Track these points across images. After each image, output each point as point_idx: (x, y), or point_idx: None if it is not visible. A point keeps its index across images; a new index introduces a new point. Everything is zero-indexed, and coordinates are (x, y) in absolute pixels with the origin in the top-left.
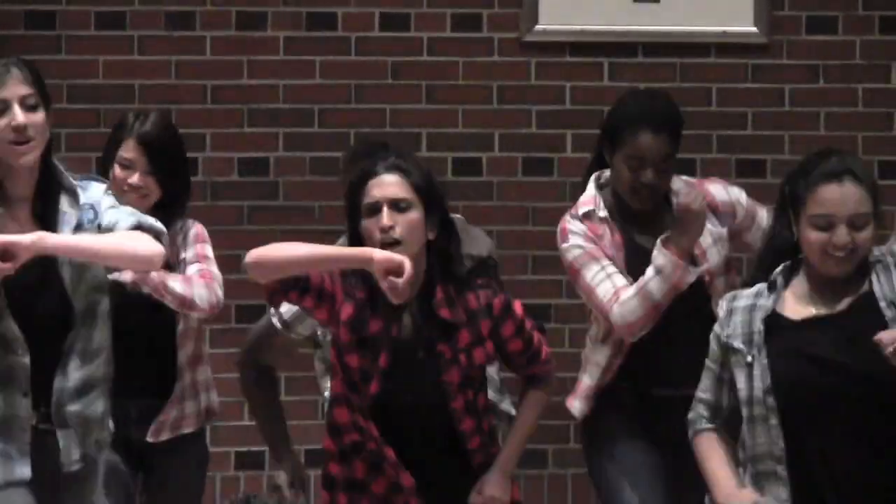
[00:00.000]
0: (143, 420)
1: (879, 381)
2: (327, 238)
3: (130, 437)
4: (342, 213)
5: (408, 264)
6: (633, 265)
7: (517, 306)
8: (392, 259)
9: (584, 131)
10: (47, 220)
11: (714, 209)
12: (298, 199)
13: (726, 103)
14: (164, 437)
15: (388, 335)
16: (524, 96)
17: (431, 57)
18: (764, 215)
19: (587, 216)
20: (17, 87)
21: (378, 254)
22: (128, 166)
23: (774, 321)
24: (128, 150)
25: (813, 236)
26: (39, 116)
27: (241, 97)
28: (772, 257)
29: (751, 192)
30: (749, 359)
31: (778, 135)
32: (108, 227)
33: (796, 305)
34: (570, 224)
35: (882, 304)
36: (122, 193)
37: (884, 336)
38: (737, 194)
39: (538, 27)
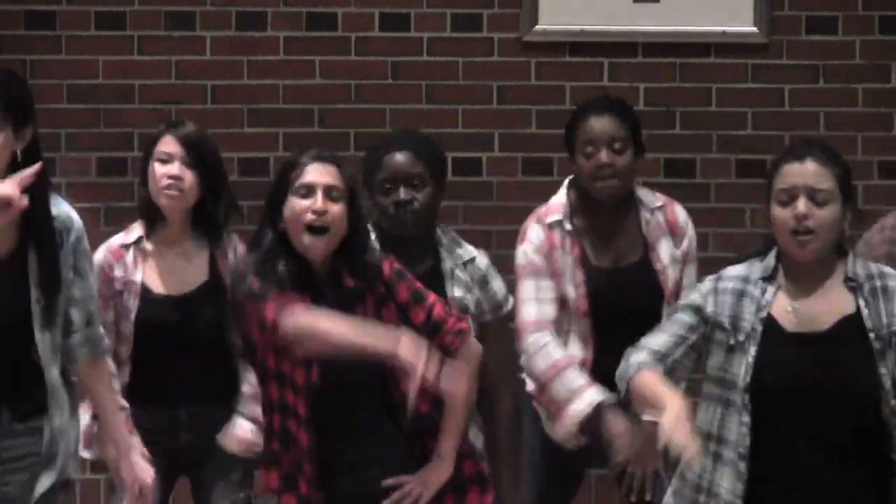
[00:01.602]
0: (194, 426)
1: (857, 406)
2: None
3: (177, 442)
4: None
5: (420, 366)
6: (589, 282)
7: (414, 279)
8: (414, 362)
9: None
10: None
11: (672, 230)
12: None
13: (726, 103)
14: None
15: None
16: (524, 96)
17: (431, 57)
18: (690, 273)
19: (552, 226)
20: None
21: (403, 351)
22: (166, 160)
23: (768, 324)
24: (166, 145)
25: (777, 213)
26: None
27: (241, 97)
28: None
29: (751, 192)
30: (732, 342)
31: (778, 135)
32: (77, 267)
33: (784, 309)
34: (531, 230)
35: (871, 335)
36: (159, 193)
37: None
38: (690, 230)
39: (538, 27)
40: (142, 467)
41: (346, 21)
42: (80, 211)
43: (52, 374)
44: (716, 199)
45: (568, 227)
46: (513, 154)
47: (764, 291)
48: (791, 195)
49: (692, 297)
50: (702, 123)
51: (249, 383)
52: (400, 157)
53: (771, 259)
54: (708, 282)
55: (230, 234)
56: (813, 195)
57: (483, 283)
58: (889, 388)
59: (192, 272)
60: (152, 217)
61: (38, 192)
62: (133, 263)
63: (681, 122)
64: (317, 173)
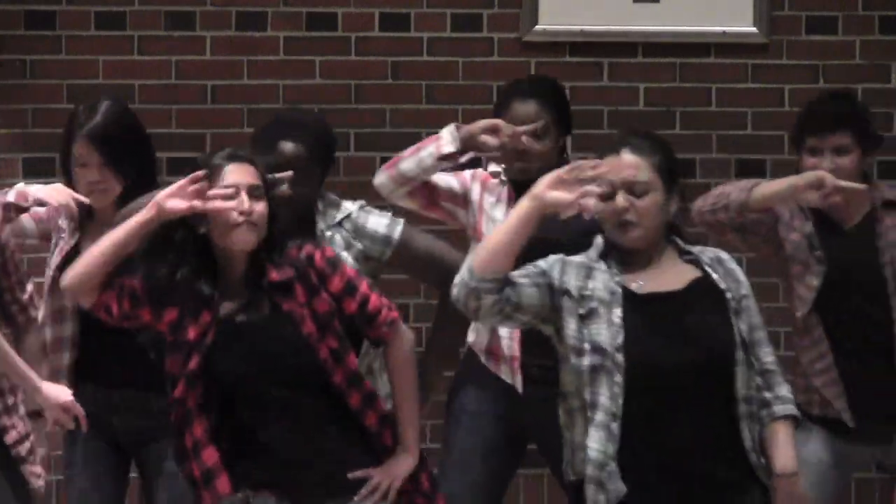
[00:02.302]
0: (127, 409)
1: (717, 360)
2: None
3: (114, 425)
4: None
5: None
6: None
7: (347, 268)
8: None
9: (584, 131)
10: None
11: None
12: None
13: (726, 103)
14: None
15: (232, 319)
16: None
17: (431, 57)
18: None
19: (494, 174)
20: None
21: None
22: (84, 164)
23: (625, 290)
24: (79, 147)
25: (600, 207)
26: None
27: (241, 97)
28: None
29: None
30: (582, 311)
31: (778, 135)
32: None
33: (629, 280)
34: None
35: (728, 294)
36: (87, 194)
37: None
38: None
39: (538, 27)
40: (54, 387)
41: (346, 21)
42: None
43: None
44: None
45: (503, 177)
46: None
47: (608, 266)
48: (609, 189)
49: (537, 263)
50: (702, 123)
51: None
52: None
53: (599, 242)
54: (553, 259)
55: None
56: (630, 188)
57: (361, 231)
58: (739, 343)
59: None
60: (83, 209)
61: None
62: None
63: (681, 122)
64: (237, 174)
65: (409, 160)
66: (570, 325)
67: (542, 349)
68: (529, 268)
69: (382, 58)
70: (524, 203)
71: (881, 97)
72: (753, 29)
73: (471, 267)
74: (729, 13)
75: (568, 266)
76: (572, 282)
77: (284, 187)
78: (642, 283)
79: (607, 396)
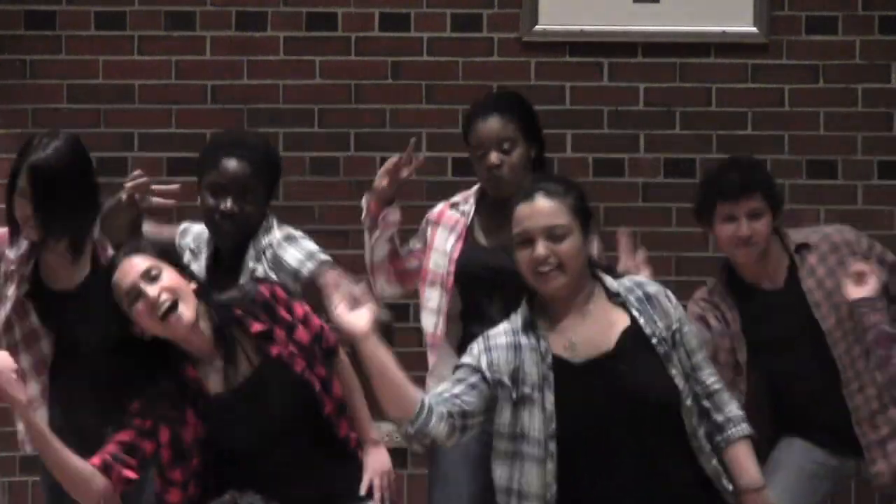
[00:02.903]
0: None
1: (660, 414)
2: (327, 237)
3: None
4: (342, 213)
5: None
6: (468, 256)
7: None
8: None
9: (584, 131)
10: None
11: None
12: (298, 199)
13: (726, 103)
14: None
15: (230, 394)
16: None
17: (431, 57)
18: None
19: (453, 206)
20: None
21: None
22: (21, 195)
23: (557, 363)
24: (23, 178)
25: (519, 257)
26: None
27: (241, 97)
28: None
29: None
30: (515, 396)
31: (778, 135)
32: None
33: (563, 346)
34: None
35: (653, 340)
36: (22, 224)
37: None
38: None
39: (538, 27)
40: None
41: (346, 21)
42: None
43: None
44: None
45: (465, 207)
46: None
47: (538, 338)
48: (528, 238)
49: (465, 359)
50: (702, 123)
51: None
52: (232, 164)
53: (524, 309)
54: (476, 343)
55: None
56: (550, 233)
57: (278, 264)
58: (682, 387)
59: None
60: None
61: None
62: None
63: (681, 122)
64: (128, 270)
65: (366, 254)
66: (504, 413)
67: None
68: (458, 373)
69: (382, 58)
70: (361, 350)
71: (881, 97)
72: (753, 29)
73: (395, 419)
74: (729, 13)
75: (495, 351)
76: (503, 367)
77: (229, 203)
78: (575, 343)
79: (538, 484)
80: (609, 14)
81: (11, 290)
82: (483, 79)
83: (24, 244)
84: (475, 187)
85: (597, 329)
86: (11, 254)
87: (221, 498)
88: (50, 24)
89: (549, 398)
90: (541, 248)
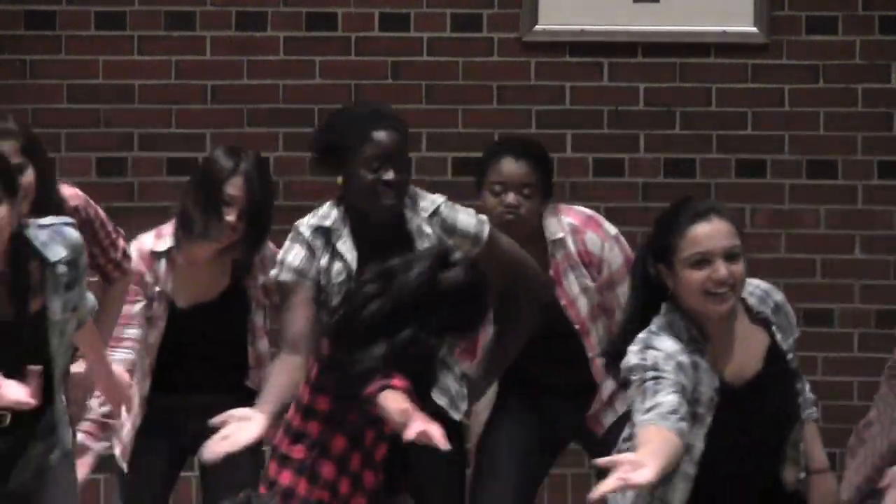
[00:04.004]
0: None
1: (790, 435)
2: None
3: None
4: None
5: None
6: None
7: None
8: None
9: (584, 131)
10: (20, 295)
11: (585, 260)
12: (298, 199)
13: (726, 103)
14: None
15: None
16: (524, 96)
17: (431, 57)
18: (622, 292)
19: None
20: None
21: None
22: (230, 203)
23: (722, 386)
24: (233, 188)
25: (694, 276)
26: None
27: (241, 97)
28: (641, 316)
29: (751, 192)
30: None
31: (778, 135)
32: (82, 273)
33: (719, 365)
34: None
35: (789, 356)
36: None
37: None
38: (610, 255)
39: (538, 27)
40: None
41: (346, 21)
42: None
43: (58, 364)
44: (716, 199)
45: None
46: None
47: (706, 359)
48: (706, 259)
49: (662, 373)
50: (702, 123)
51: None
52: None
53: (679, 322)
54: (663, 358)
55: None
56: (728, 253)
57: (451, 230)
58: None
59: (214, 281)
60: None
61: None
62: (165, 272)
63: (681, 122)
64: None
65: None
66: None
67: (567, 367)
68: (663, 383)
69: (382, 58)
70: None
71: (881, 97)
72: (753, 29)
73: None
74: (729, 13)
75: (682, 368)
76: (688, 384)
77: (391, 174)
78: (727, 360)
79: (681, 500)
80: (609, 14)
81: (161, 309)
82: (483, 79)
83: (163, 262)
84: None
85: (744, 350)
86: (155, 273)
87: (236, 497)
88: (50, 24)
89: (708, 420)
90: (723, 269)
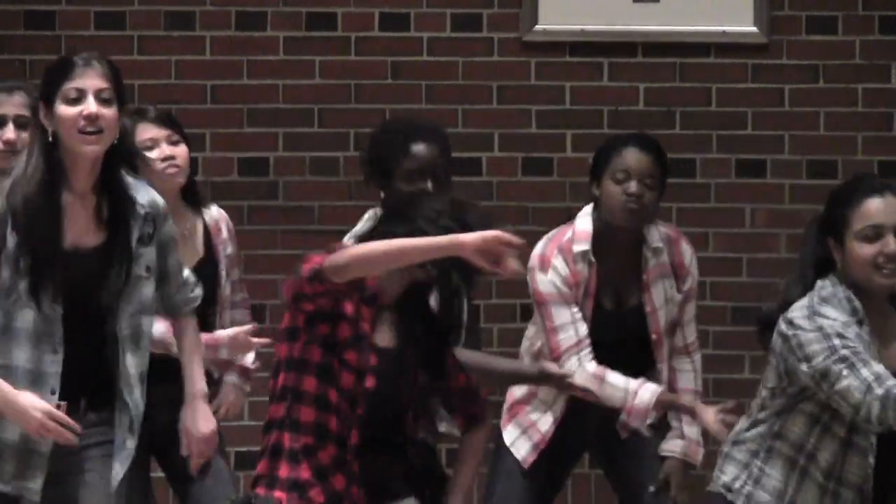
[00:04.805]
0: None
1: None
2: (326, 238)
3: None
4: (342, 213)
5: (507, 235)
6: (594, 320)
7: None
8: (485, 239)
9: (584, 131)
10: (112, 225)
11: (677, 270)
12: (298, 199)
13: (726, 103)
14: None
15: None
16: (524, 96)
17: (431, 57)
18: (690, 309)
19: (577, 258)
20: (95, 80)
21: (468, 239)
22: (151, 147)
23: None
24: (147, 132)
25: (865, 250)
26: (112, 111)
27: (241, 97)
28: (812, 274)
29: (751, 192)
30: None
31: (778, 135)
32: (163, 243)
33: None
34: (557, 260)
35: None
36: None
37: None
38: (694, 269)
39: (538, 27)
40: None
41: (346, 21)
42: None
43: (128, 359)
44: (716, 200)
45: (592, 259)
46: (513, 154)
47: (863, 328)
48: (878, 233)
49: (849, 341)
50: (702, 123)
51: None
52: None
53: (841, 295)
54: (840, 326)
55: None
56: None
57: None
58: None
59: (188, 252)
60: None
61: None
62: None
63: (681, 122)
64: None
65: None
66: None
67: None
68: (861, 354)
69: (382, 58)
70: (445, 241)
71: (881, 97)
72: (753, 29)
73: None
74: (729, 13)
75: (859, 336)
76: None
77: (634, 186)
78: (880, 348)
79: (858, 475)
80: (609, 14)
81: None
82: (483, 79)
83: None
84: (585, 226)
85: (892, 342)
86: None
87: (237, 497)
88: (50, 24)
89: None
90: (893, 243)
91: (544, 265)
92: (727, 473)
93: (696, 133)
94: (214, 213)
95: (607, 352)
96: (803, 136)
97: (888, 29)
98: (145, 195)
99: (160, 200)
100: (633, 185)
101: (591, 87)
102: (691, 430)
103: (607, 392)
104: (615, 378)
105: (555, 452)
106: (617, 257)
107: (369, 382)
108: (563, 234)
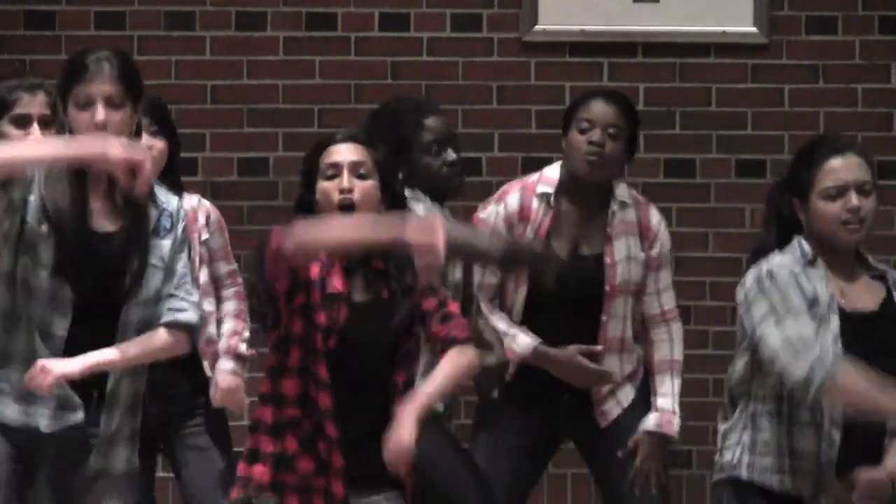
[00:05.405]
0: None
1: None
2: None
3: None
4: None
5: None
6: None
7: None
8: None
9: None
10: (128, 212)
11: (644, 232)
12: None
13: (726, 103)
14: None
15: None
16: (524, 96)
17: (431, 57)
18: (664, 277)
19: (539, 197)
20: (104, 85)
21: (410, 232)
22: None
23: (840, 310)
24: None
25: (829, 208)
26: (120, 115)
27: (241, 97)
28: (778, 226)
29: (751, 192)
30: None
31: (778, 135)
32: (178, 246)
33: (836, 290)
34: (511, 195)
35: None
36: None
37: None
38: (663, 237)
39: (538, 27)
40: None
41: (346, 21)
42: None
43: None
44: (716, 200)
45: (551, 203)
46: (513, 154)
47: (816, 266)
48: (840, 191)
49: (796, 294)
50: (702, 123)
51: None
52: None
53: (805, 247)
54: (782, 270)
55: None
56: (861, 188)
57: None
58: None
59: None
60: None
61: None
62: None
63: (681, 122)
64: (338, 154)
65: None
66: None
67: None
68: (803, 312)
69: (382, 58)
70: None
71: (881, 97)
72: (753, 29)
73: None
74: (729, 13)
75: (794, 274)
76: (808, 287)
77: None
78: (843, 289)
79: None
80: (609, 14)
81: None
82: (483, 79)
83: None
84: (553, 172)
85: (859, 291)
86: None
87: (236, 497)
88: (50, 24)
89: (835, 321)
90: (855, 199)
91: (501, 198)
92: (725, 455)
93: (696, 133)
94: (195, 201)
95: (553, 300)
96: (803, 136)
97: (888, 29)
98: (164, 193)
99: (176, 201)
100: (595, 134)
101: (591, 87)
102: (665, 402)
103: (494, 320)
104: (500, 316)
105: (531, 429)
106: (580, 207)
107: (332, 342)
108: (531, 177)
